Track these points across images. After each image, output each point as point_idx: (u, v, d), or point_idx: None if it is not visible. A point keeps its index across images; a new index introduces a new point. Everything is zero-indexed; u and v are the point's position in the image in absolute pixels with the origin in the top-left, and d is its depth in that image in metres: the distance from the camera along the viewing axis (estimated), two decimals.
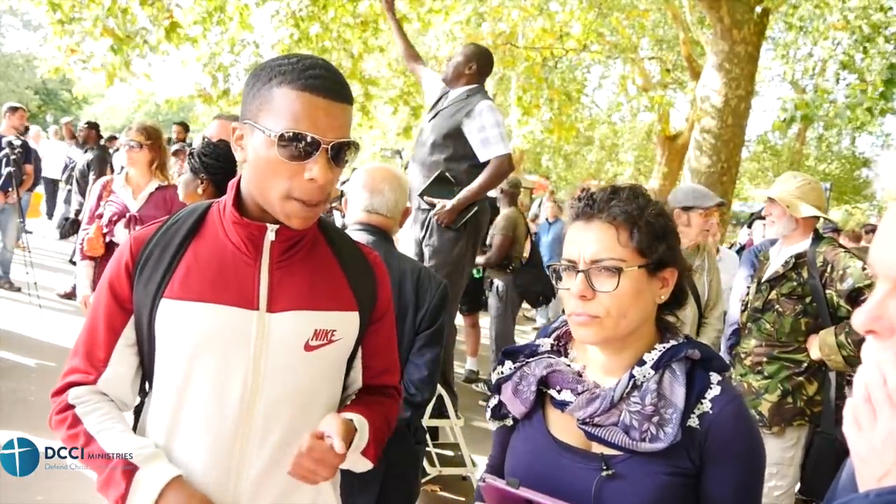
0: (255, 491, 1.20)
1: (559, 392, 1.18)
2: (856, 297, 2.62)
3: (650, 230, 1.14)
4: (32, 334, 5.48)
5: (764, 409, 2.82)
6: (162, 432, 1.20)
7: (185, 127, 9.23)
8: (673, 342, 1.18)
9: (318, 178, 1.09)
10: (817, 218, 2.88)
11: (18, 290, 6.67)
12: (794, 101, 5.73)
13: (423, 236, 3.53)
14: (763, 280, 2.94)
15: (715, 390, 1.14)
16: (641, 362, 1.15)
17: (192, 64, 9.01)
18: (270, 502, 1.21)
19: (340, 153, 1.12)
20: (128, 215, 3.56)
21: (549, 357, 1.24)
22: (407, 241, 3.73)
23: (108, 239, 3.61)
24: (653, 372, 1.13)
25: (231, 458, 1.18)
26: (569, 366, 1.21)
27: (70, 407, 1.18)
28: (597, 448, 1.15)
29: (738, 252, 6.42)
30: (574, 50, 11.03)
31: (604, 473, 1.11)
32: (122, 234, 3.51)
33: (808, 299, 2.77)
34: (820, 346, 2.68)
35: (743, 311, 3.05)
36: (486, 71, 3.66)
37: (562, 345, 1.28)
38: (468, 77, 3.56)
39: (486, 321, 6.27)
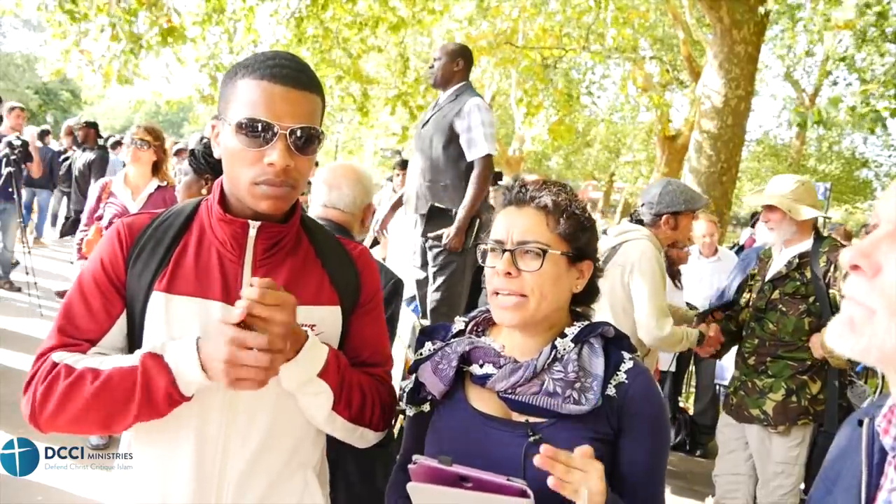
0: (239, 485, 1.20)
1: (481, 366, 1.23)
2: None
3: (575, 221, 1.24)
4: (32, 334, 5.48)
5: (769, 409, 2.82)
6: (145, 426, 1.19)
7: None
8: (587, 321, 1.29)
9: (277, 163, 1.10)
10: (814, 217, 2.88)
11: (18, 290, 6.67)
12: (812, 111, 5.71)
13: (423, 236, 3.55)
14: (766, 280, 2.93)
15: (628, 364, 1.23)
16: (563, 335, 1.24)
17: (192, 64, 9.01)
18: (256, 497, 1.21)
19: (306, 142, 1.14)
20: (127, 215, 3.56)
21: (470, 337, 1.30)
22: (399, 241, 3.75)
23: None
24: (573, 345, 1.22)
25: (215, 453, 1.18)
26: (490, 345, 1.26)
27: (56, 364, 1.12)
28: (517, 418, 1.21)
29: (738, 252, 6.42)
30: (574, 50, 11.02)
31: (531, 439, 1.16)
32: None
33: (811, 299, 2.77)
34: (824, 342, 2.66)
35: (744, 309, 3.05)
36: (470, 66, 3.72)
37: (479, 330, 1.34)
38: (459, 74, 3.60)
39: None
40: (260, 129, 1.10)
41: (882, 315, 0.68)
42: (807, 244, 2.84)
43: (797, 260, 2.82)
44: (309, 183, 3.11)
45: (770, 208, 2.84)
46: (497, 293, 1.22)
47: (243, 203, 1.19)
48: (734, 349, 3.19)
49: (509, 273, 1.19)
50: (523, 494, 1.00)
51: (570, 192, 1.27)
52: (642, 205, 2.97)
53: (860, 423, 0.82)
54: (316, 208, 2.16)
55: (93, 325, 1.17)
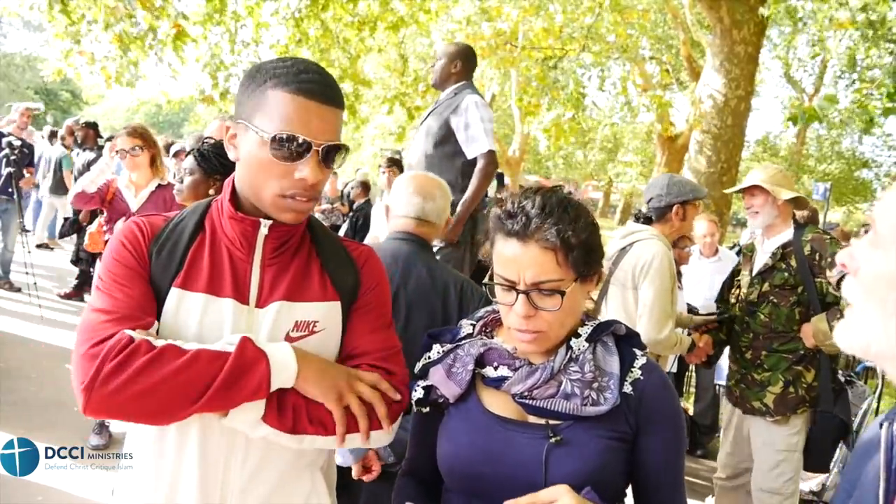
0: (244, 486, 1.20)
1: (496, 369, 1.22)
2: None
3: (585, 247, 1.17)
4: (32, 334, 5.48)
5: (769, 401, 2.89)
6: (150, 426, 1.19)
7: None
8: (598, 320, 1.27)
9: (309, 178, 1.12)
10: (794, 205, 2.94)
11: (18, 290, 6.67)
12: (802, 109, 5.70)
13: None
14: (755, 273, 2.97)
15: (641, 360, 1.23)
16: (577, 335, 1.22)
17: (193, 64, 9.00)
18: (261, 498, 1.21)
19: (330, 155, 1.16)
20: (128, 214, 3.58)
21: (482, 338, 1.29)
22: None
23: (107, 237, 3.65)
24: (587, 344, 1.21)
25: (219, 451, 1.18)
26: (502, 345, 1.25)
27: (133, 339, 1.07)
28: (534, 419, 1.20)
29: (738, 253, 6.41)
30: (574, 51, 11.02)
31: (552, 440, 1.15)
32: None
33: (800, 289, 2.83)
34: (814, 332, 2.75)
35: (734, 305, 3.08)
36: (471, 66, 3.67)
37: (488, 331, 1.33)
38: (456, 76, 3.60)
39: None
40: (296, 144, 1.11)
41: (859, 309, 0.76)
42: (788, 234, 2.89)
43: (781, 251, 2.87)
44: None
45: (752, 193, 2.90)
46: (516, 329, 1.18)
47: (258, 206, 1.19)
48: (727, 350, 3.24)
49: (528, 315, 1.15)
50: None
51: (571, 207, 1.18)
52: (649, 200, 2.97)
53: (881, 425, 0.82)
54: (402, 220, 2.04)
55: (148, 304, 1.15)
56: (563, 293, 1.15)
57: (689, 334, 3.17)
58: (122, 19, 7.47)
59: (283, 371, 1.11)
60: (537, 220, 1.15)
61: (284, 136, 1.10)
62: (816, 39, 6.90)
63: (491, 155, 3.38)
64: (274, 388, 1.10)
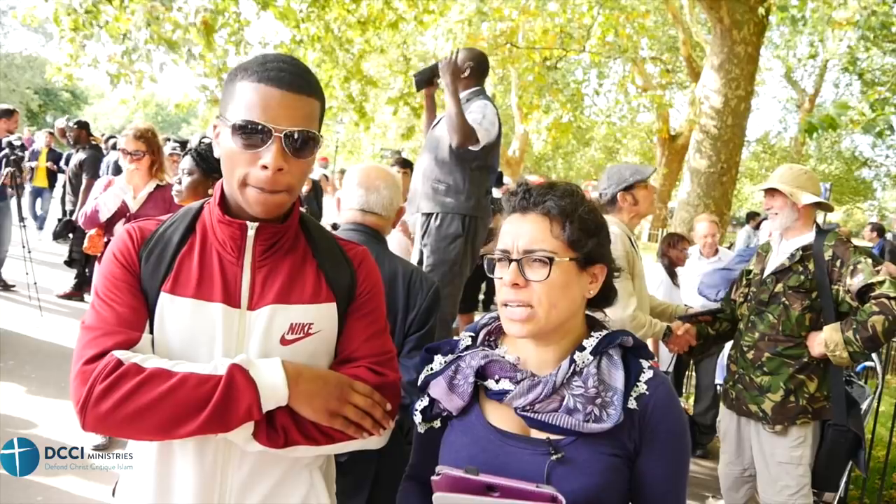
0: (242, 485, 1.20)
1: (497, 382, 1.20)
2: (865, 291, 2.59)
3: (582, 225, 1.19)
4: (32, 335, 5.48)
5: (767, 408, 2.80)
6: None
7: None
8: (606, 331, 1.24)
9: (270, 166, 1.11)
10: (818, 208, 2.86)
11: (13, 286, 6.67)
12: (820, 118, 5.67)
13: (422, 236, 3.55)
14: (769, 272, 2.90)
15: (648, 374, 1.20)
16: (581, 348, 1.20)
17: (199, 66, 8.99)
18: (259, 497, 1.21)
19: (303, 145, 1.15)
20: (127, 215, 3.58)
21: (484, 349, 1.27)
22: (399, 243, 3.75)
23: (106, 238, 3.65)
24: (591, 357, 1.18)
25: (216, 451, 1.18)
26: (504, 357, 1.23)
27: (121, 363, 1.08)
28: (536, 434, 1.18)
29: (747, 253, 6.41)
30: (574, 51, 11.03)
31: (553, 457, 1.13)
32: None
33: (814, 294, 2.74)
34: (826, 341, 2.64)
35: (742, 304, 3.02)
36: (483, 71, 3.70)
37: (492, 340, 1.31)
38: (466, 80, 3.61)
39: None
40: (255, 131, 1.11)
41: None
42: (808, 237, 2.81)
43: (800, 253, 2.78)
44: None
45: (772, 194, 2.84)
46: (506, 304, 1.18)
47: (243, 206, 1.19)
48: (727, 348, 3.18)
49: (516, 284, 1.15)
50: (554, 501, 0.97)
51: (577, 194, 1.22)
52: (600, 195, 3.06)
53: None
54: (350, 213, 2.08)
55: (136, 318, 1.16)
56: (551, 261, 1.15)
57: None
58: (150, 20, 7.50)
59: (273, 396, 1.11)
60: (538, 195, 1.20)
61: (245, 123, 1.11)
62: (817, 41, 6.89)
63: (472, 133, 3.32)
64: (266, 410, 1.11)
